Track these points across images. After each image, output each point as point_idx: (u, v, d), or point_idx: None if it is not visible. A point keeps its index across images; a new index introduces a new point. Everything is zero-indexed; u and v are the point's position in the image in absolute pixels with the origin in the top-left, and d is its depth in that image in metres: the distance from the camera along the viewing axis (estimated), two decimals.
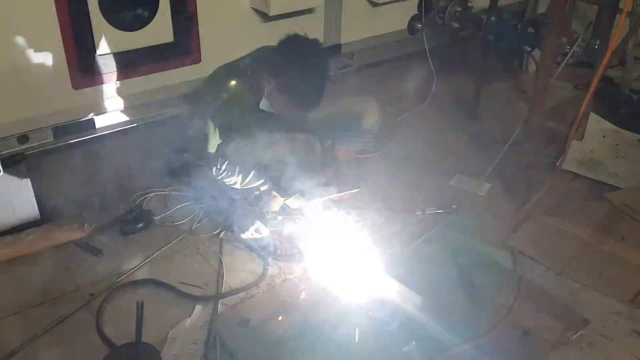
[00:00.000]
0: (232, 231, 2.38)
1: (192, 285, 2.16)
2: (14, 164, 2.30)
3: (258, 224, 2.33)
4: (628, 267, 2.28)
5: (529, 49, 2.79)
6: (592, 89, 2.34)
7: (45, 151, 2.40)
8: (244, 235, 2.34)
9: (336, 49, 3.10)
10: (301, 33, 2.18)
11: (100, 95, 2.40)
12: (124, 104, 2.49)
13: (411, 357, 1.81)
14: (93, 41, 2.26)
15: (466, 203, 2.64)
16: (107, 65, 2.35)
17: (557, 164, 2.54)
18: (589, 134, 2.66)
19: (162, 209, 2.55)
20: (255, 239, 2.33)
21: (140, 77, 2.47)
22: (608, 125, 2.68)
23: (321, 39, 2.29)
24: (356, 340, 1.86)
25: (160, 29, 2.40)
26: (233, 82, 2.24)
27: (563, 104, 3.25)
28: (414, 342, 1.82)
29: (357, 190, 2.60)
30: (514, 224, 2.50)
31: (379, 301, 1.98)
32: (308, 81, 2.11)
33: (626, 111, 2.80)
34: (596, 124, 2.65)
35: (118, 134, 2.56)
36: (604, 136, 2.69)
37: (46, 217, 2.42)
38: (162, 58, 2.48)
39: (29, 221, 2.38)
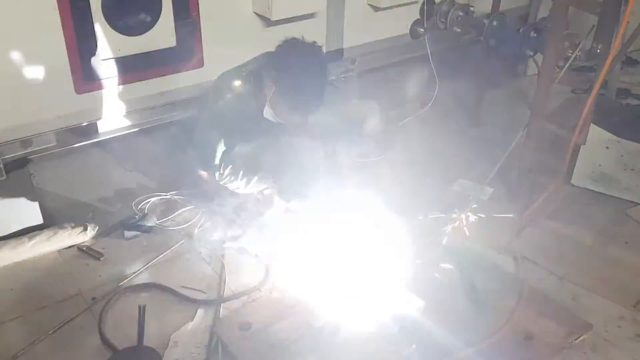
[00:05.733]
0: (240, 243, 2.38)
1: (194, 289, 2.16)
2: (17, 168, 2.30)
3: (265, 233, 2.34)
4: (631, 271, 2.28)
5: (531, 54, 2.79)
6: (594, 92, 2.34)
7: (48, 155, 2.41)
8: (250, 246, 2.33)
9: (338, 53, 3.11)
10: (299, 37, 2.19)
11: (103, 100, 2.41)
12: (127, 109, 2.50)
13: None
14: (96, 46, 2.27)
15: (469, 207, 2.64)
16: (110, 69, 2.36)
17: (569, 176, 2.50)
18: (593, 147, 2.65)
19: (165, 213, 2.56)
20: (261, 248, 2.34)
21: (143, 82, 2.48)
22: (608, 135, 2.67)
23: (323, 44, 2.29)
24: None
25: (163, 34, 2.41)
26: (238, 83, 2.24)
27: (563, 108, 3.24)
28: (414, 346, 1.82)
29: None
30: (517, 228, 2.50)
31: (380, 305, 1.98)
32: (308, 84, 2.12)
33: (619, 119, 2.79)
34: (597, 135, 2.64)
35: (121, 138, 2.57)
36: (607, 147, 2.68)
37: (49, 221, 2.42)
38: (165, 63, 2.49)
39: (32, 225, 2.38)
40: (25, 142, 2.29)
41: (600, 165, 2.72)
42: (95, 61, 2.31)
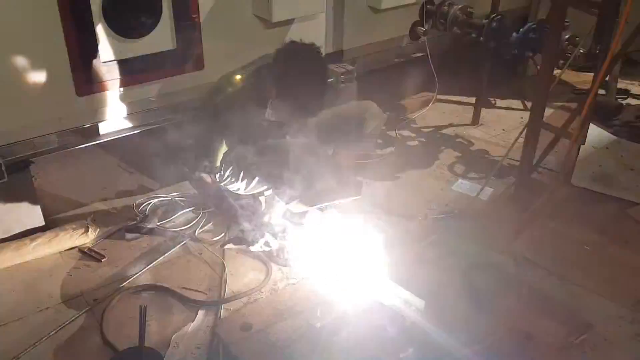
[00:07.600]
0: (242, 245, 2.38)
1: (195, 290, 2.17)
2: (19, 170, 2.31)
3: (267, 236, 2.34)
4: (631, 270, 2.28)
5: (531, 54, 2.80)
6: (594, 92, 2.34)
7: (49, 157, 2.41)
8: (253, 248, 2.34)
9: (338, 55, 3.11)
10: (298, 39, 2.20)
11: (104, 102, 2.42)
12: (128, 111, 2.51)
13: None
14: (97, 48, 2.28)
15: (468, 208, 2.65)
16: (110, 72, 2.37)
17: (569, 176, 2.50)
18: (593, 147, 2.66)
19: (166, 215, 2.56)
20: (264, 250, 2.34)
21: (143, 84, 2.49)
22: (608, 135, 2.67)
23: (323, 46, 2.30)
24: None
25: (163, 37, 2.42)
26: (238, 85, 2.26)
27: (563, 108, 3.25)
28: (411, 350, 1.82)
29: (358, 197, 2.60)
30: (517, 228, 2.50)
31: (380, 305, 1.98)
32: (308, 86, 2.12)
33: (619, 119, 2.79)
34: (597, 135, 2.64)
35: (122, 140, 2.58)
36: (607, 147, 2.68)
37: (50, 222, 2.43)
38: (166, 65, 2.50)
39: (34, 227, 2.39)
40: (27, 144, 2.30)
41: (600, 165, 2.72)
42: (96, 64, 2.32)
